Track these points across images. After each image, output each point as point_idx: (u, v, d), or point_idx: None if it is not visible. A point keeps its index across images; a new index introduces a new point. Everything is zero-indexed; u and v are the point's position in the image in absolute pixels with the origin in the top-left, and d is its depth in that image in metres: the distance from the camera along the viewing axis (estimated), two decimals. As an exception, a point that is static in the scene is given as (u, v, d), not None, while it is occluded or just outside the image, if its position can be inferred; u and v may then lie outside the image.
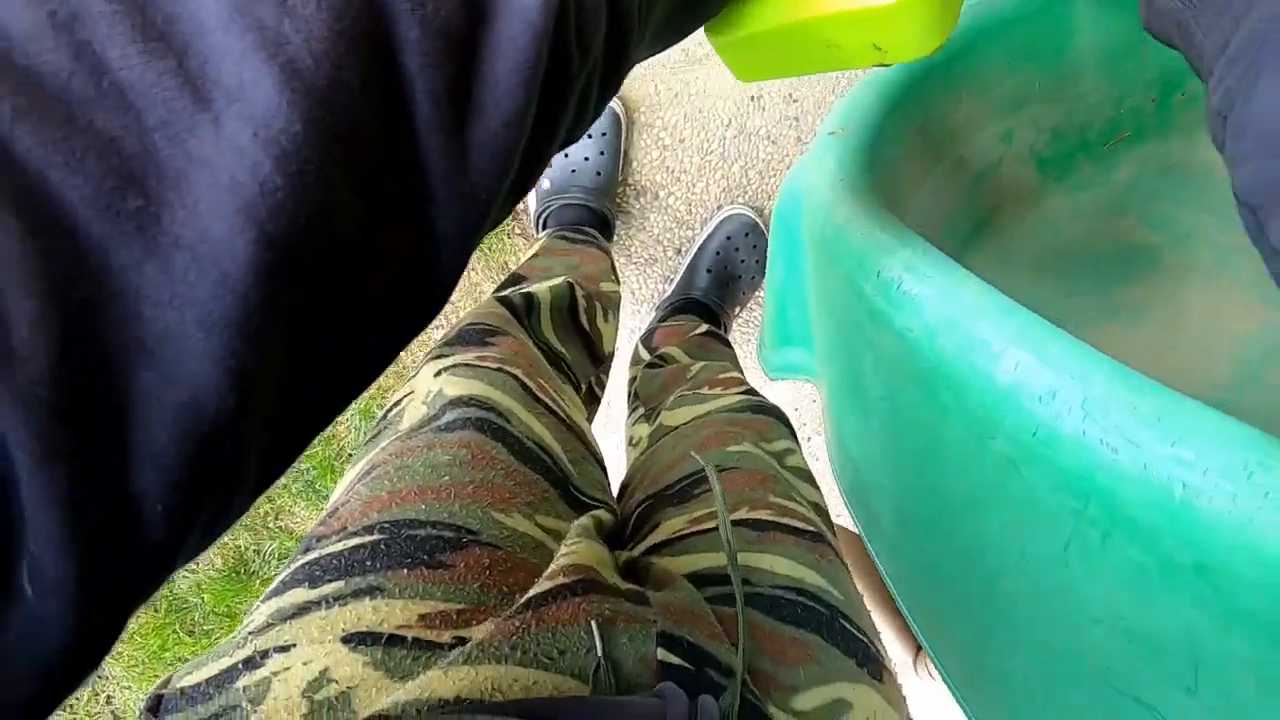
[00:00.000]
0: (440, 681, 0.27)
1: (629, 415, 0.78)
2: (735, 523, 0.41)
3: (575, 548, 0.35)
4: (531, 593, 0.31)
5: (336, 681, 0.26)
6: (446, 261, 0.15)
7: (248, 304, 0.11)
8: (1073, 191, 0.67)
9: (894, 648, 0.67)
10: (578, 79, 0.17)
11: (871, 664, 0.34)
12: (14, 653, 0.09)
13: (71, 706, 1.06)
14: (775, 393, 0.94)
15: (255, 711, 0.26)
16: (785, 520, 0.41)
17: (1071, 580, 0.24)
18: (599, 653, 0.29)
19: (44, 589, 0.09)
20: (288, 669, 0.27)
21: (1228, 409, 0.46)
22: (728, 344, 0.84)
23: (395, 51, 0.13)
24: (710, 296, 0.86)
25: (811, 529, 0.42)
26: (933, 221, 0.61)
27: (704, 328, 0.83)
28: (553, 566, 0.33)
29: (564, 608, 0.30)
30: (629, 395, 0.82)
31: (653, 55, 0.21)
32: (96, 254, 0.10)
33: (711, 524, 0.41)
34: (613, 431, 0.84)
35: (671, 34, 0.21)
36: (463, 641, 0.29)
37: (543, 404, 0.44)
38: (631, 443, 0.71)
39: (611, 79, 0.18)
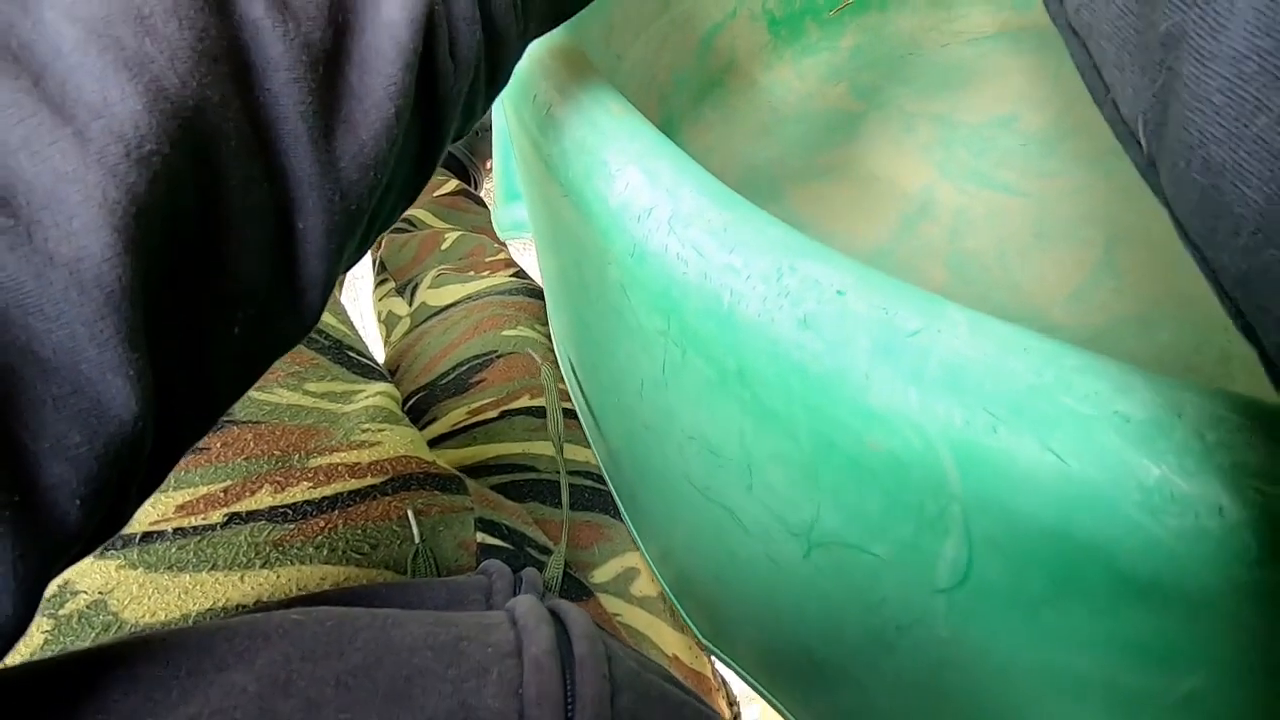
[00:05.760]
0: (235, 588, 0.24)
1: (376, 287, 0.71)
2: (518, 411, 0.40)
3: (380, 437, 0.31)
4: (335, 490, 0.27)
5: (85, 592, 0.22)
6: (312, 271, 0.15)
7: (133, 320, 0.11)
8: (800, 56, 0.68)
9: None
10: (456, 90, 0.17)
11: None
12: None
13: None
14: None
15: None
16: (566, 404, 0.41)
17: (670, 402, 0.24)
18: (416, 539, 0.27)
19: None
20: None
21: (887, 257, 0.50)
22: (480, 203, 0.78)
23: (259, 67, 0.13)
24: (458, 146, 0.79)
25: None
26: (660, 78, 0.60)
27: (453, 184, 0.76)
28: (356, 458, 0.29)
29: (373, 506, 0.28)
30: (374, 263, 0.75)
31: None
32: None
33: (492, 414, 0.39)
34: (351, 300, 0.77)
35: (560, 17, 0.21)
36: (239, 518, 0.25)
37: None
38: (382, 319, 0.66)
39: (497, 77, 0.19)
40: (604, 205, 0.24)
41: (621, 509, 0.38)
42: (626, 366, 0.27)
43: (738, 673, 0.31)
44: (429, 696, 0.16)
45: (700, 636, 0.33)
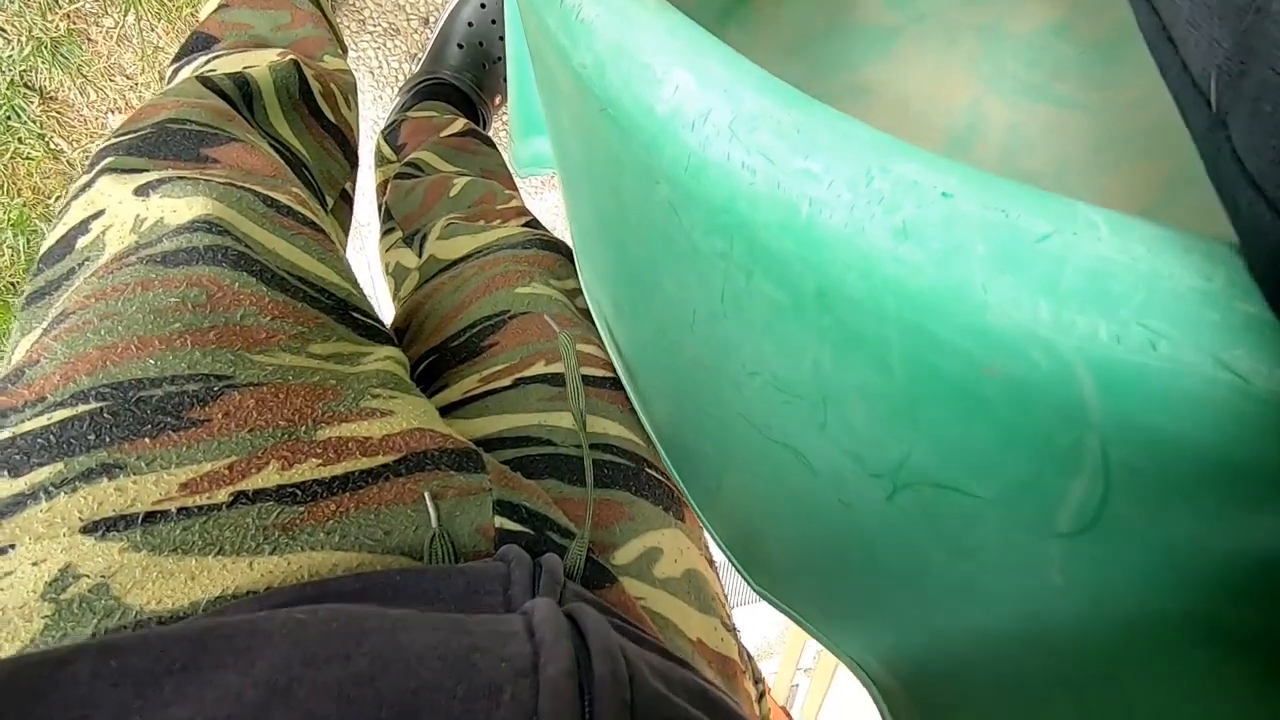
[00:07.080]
0: (244, 574, 0.23)
1: (382, 236, 0.68)
2: (532, 379, 0.37)
3: (393, 405, 0.29)
4: (346, 469, 0.26)
5: (87, 576, 0.22)
6: None
7: None
8: (830, -32, 0.63)
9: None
10: None
11: (674, 505, 0.34)
12: None
13: None
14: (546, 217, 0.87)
15: None
16: (585, 371, 0.38)
17: (730, 334, 0.22)
18: (434, 523, 0.26)
19: None
20: (9, 574, 0.21)
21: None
22: (490, 144, 0.74)
23: None
24: (464, 79, 0.74)
25: (610, 375, 0.39)
26: (684, -8, 0.56)
27: (460, 123, 0.72)
28: (366, 431, 0.27)
29: (386, 488, 0.26)
30: (379, 209, 0.71)
31: None
32: None
33: (505, 381, 0.37)
34: (358, 249, 0.74)
35: None
36: (246, 497, 0.24)
37: (297, 217, 0.35)
38: (389, 271, 0.63)
39: None
40: (649, 115, 0.21)
41: (671, 468, 0.36)
42: (675, 300, 0.24)
43: (798, 621, 0.30)
44: (436, 717, 0.15)
45: (755, 587, 0.32)
